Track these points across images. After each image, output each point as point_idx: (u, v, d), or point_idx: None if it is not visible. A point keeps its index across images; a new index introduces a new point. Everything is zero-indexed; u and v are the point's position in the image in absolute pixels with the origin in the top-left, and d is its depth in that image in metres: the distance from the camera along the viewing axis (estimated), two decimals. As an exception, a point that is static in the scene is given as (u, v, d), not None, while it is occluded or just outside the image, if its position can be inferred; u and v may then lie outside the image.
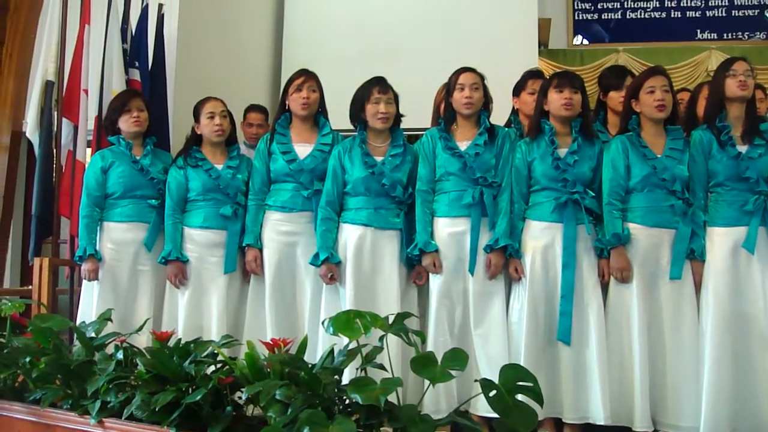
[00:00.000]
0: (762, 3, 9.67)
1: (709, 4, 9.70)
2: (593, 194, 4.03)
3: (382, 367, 2.91)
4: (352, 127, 4.36)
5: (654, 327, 3.91)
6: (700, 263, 3.93)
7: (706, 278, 3.91)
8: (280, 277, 4.30)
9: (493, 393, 2.67)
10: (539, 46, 8.56)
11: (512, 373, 2.79)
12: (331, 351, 3.01)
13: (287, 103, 4.47)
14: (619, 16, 9.73)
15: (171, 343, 3.22)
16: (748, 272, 3.87)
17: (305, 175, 4.34)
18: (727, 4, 9.70)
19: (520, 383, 2.77)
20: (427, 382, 2.65)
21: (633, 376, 3.85)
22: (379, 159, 4.22)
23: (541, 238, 4.00)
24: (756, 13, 9.69)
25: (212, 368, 3.01)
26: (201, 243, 4.41)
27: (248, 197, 4.45)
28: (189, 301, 4.38)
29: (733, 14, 9.70)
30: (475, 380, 2.79)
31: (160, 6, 5.79)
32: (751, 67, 4.08)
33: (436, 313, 4.04)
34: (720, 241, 3.92)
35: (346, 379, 2.90)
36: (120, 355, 3.17)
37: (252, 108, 5.83)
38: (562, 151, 4.05)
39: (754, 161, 3.94)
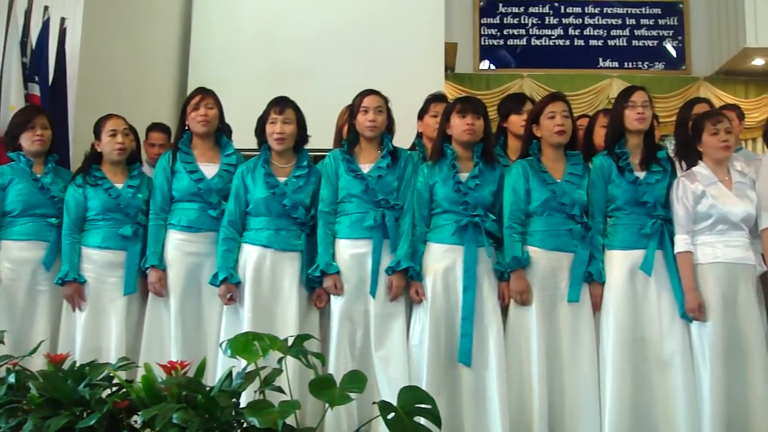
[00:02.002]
0: (661, 35, 9.98)
1: (611, 33, 9.99)
2: (494, 218, 4.08)
3: (280, 389, 2.91)
4: (264, 147, 4.34)
5: (553, 349, 3.97)
6: (599, 286, 4.02)
7: (606, 301, 4.00)
8: (186, 298, 4.23)
9: (391, 415, 2.69)
10: (446, 70, 8.70)
11: (411, 395, 2.81)
12: (230, 374, 2.99)
13: (186, 123, 4.42)
14: (525, 43, 9.95)
15: (66, 365, 3.15)
16: (645, 294, 3.98)
17: (213, 194, 4.29)
18: (628, 34, 10.01)
19: (419, 405, 2.79)
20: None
21: (532, 397, 3.89)
22: (282, 179, 4.20)
23: (442, 260, 4.02)
24: (655, 44, 10.02)
25: (108, 392, 2.95)
26: (99, 263, 4.30)
27: (149, 216, 4.36)
28: (86, 322, 4.25)
29: (633, 44, 10.03)
30: (373, 402, 2.79)
31: (63, 20, 5.68)
32: (650, 97, 4.20)
33: (337, 335, 4.03)
34: (618, 263, 4.02)
35: (245, 402, 2.88)
36: (12, 379, 3.09)
37: (154, 127, 5.75)
38: (464, 175, 4.08)
39: (651, 186, 4.06)
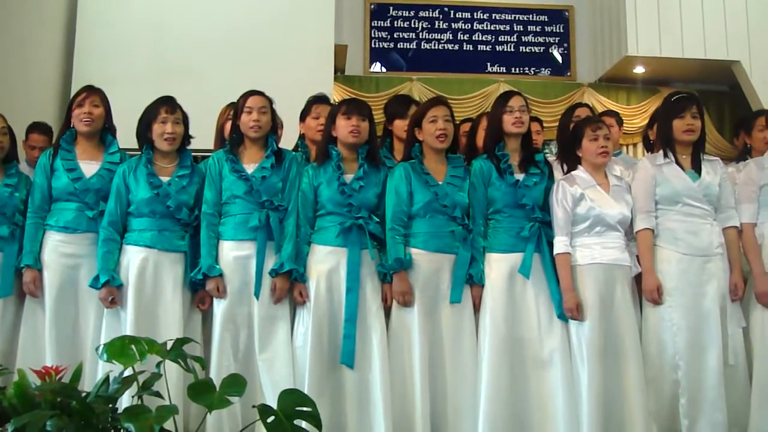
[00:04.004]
0: (547, 41, 10.18)
1: (499, 39, 10.14)
2: (378, 220, 4.10)
3: (158, 394, 2.85)
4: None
5: (435, 350, 4.01)
6: (479, 287, 4.09)
7: (484, 302, 4.07)
8: (61, 301, 4.11)
9: (271, 419, 2.67)
10: (335, 72, 8.68)
11: (291, 398, 2.79)
12: (107, 379, 2.92)
13: (71, 120, 4.31)
14: (414, 46, 10.00)
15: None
16: (523, 296, 4.06)
17: (90, 194, 4.19)
18: (515, 40, 10.17)
19: (299, 408, 2.77)
20: (208, 408, 2.61)
21: (414, 398, 3.92)
22: (165, 180, 4.14)
23: (326, 262, 4.03)
24: (542, 50, 10.20)
25: (-22, 399, 2.84)
26: (-26, 265, 4.15)
27: (26, 215, 4.23)
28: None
29: (521, 50, 10.18)
30: (253, 406, 2.77)
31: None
32: (527, 101, 4.30)
33: (219, 338, 3.99)
34: (497, 266, 4.09)
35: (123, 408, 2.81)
36: None
37: (34, 128, 5.58)
38: (349, 177, 4.10)
39: (529, 189, 4.15)
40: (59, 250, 4.16)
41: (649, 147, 4.68)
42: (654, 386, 4.02)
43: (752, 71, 8.93)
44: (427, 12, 10.07)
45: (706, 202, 4.15)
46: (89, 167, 4.27)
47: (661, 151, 4.25)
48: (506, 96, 4.30)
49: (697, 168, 4.21)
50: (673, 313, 4.03)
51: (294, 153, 4.36)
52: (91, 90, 4.35)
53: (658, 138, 4.36)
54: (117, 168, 4.25)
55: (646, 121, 5.67)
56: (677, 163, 4.20)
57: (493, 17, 10.18)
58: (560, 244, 4.05)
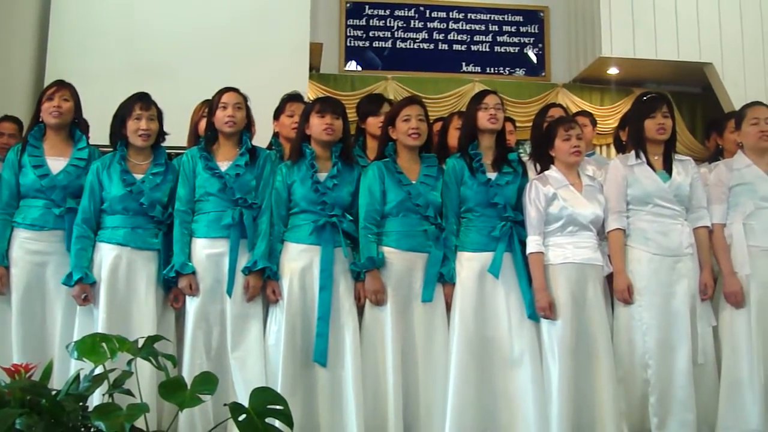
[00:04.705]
0: (522, 42, 10.22)
1: (474, 39, 10.15)
2: (351, 218, 4.11)
3: (129, 392, 2.84)
4: (119, 143, 4.24)
5: (407, 348, 4.03)
6: (451, 286, 4.10)
7: (454, 301, 4.08)
8: (28, 298, 4.09)
9: (242, 417, 2.67)
10: (311, 70, 8.67)
11: (263, 396, 2.79)
12: (77, 377, 2.90)
13: (41, 114, 4.29)
14: (390, 45, 10.00)
15: None
16: (493, 296, 4.08)
17: (57, 191, 4.16)
18: (491, 40, 10.18)
19: (271, 406, 2.77)
20: (181, 406, 2.60)
21: (387, 396, 3.94)
22: (139, 177, 4.12)
23: (299, 260, 4.03)
24: (517, 51, 10.23)
25: (-54, 398, 2.82)
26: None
27: None
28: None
29: (496, 50, 10.20)
30: (224, 404, 2.76)
31: None
32: (502, 100, 4.32)
33: (192, 336, 3.98)
34: (468, 265, 4.11)
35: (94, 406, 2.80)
36: None
37: (5, 118, 5.54)
38: (322, 175, 4.10)
39: (502, 188, 4.16)
40: (26, 248, 4.13)
41: (621, 148, 4.71)
42: (624, 385, 4.05)
43: (724, 73, 9.00)
44: (402, 11, 10.07)
45: (677, 202, 4.19)
46: (57, 163, 4.24)
47: (632, 152, 4.28)
48: (482, 94, 4.32)
49: (668, 168, 4.24)
50: (644, 312, 4.06)
51: (268, 151, 4.36)
52: (61, 84, 4.34)
53: (630, 138, 4.39)
54: (85, 164, 4.23)
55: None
56: (649, 163, 4.23)
57: (469, 17, 10.19)
58: (533, 244, 4.07)
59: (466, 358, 3.97)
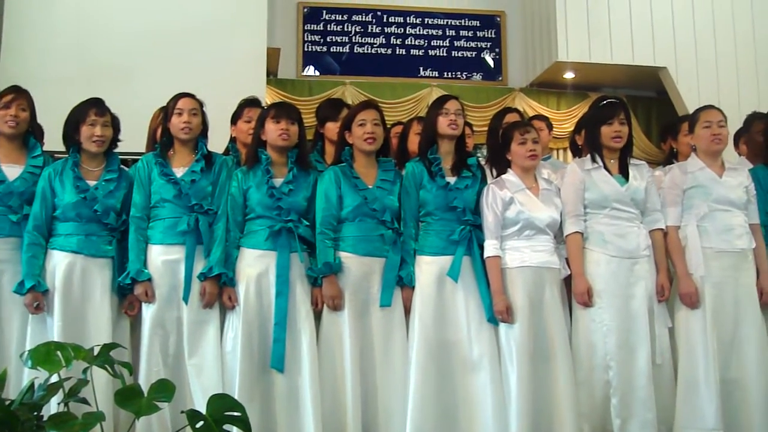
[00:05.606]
0: (479, 46, 10.28)
1: (432, 44, 10.20)
2: (307, 223, 4.10)
3: (85, 401, 2.82)
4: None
5: (366, 353, 4.02)
6: (410, 290, 4.11)
7: (413, 305, 4.09)
8: None
9: (200, 424, 2.66)
10: (268, 75, 8.66)
11: (220, 403, 2.79)
12: (32, 385, 2.87)
13: None
14: (348, 50, 10.01)
15: None
16: (453, 299, 4.08)
17: (14, 198, 4.10)
18: (448, 44, 10.24)
19: (228, 413, 2.76)
20: (139, 414, 2.58)
21: (346, 401, 3.93)
22: (92, 183, 4.08)
23: (255, 266, 4.01)
24: (474, 55, 10.30)
25: None
26: None
27: None
28: None
29: (453, 55, 10.27)
30: (182, 411, 2.75)
31: None
32: (462, 106, 4.33)
33: (148, 343, 3.95)
34: (427, 269, 4.11)
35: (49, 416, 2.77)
36: None
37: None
38: (278, 181, 4.09)
39: (461, 192, 4.17)
40: None
41: (577, 152, 4.74)
42: (586, 387, 4.07)
43: (678, 78, 9.13)
44: (360, 16, 10.10)
45: (634, 205, 4.23)
46: (12, 170, 4.18)
47: (589, 156, 4.32)
48: (443, 99, 4.33)
49: (624, 173, 4.28)
50: (603, 314, 4.08)
51: (224, 156, 4.34)
52: (18, 92, 4.26)
53: (586, 143, 4.43)
54: (40, 171, 4.17)
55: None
56: (605, 168, 4.26)
57: (426, 22, 10.25)
58: (490, 248, 4.08)
59: (425, 362, 3.97)
